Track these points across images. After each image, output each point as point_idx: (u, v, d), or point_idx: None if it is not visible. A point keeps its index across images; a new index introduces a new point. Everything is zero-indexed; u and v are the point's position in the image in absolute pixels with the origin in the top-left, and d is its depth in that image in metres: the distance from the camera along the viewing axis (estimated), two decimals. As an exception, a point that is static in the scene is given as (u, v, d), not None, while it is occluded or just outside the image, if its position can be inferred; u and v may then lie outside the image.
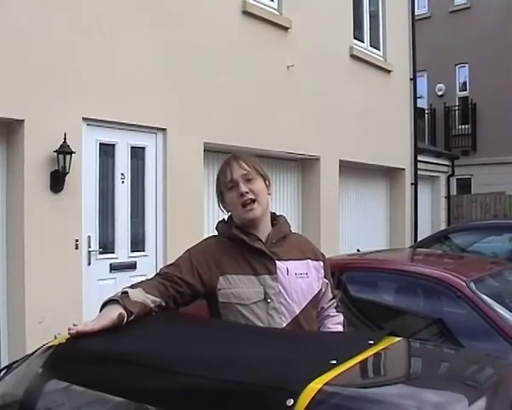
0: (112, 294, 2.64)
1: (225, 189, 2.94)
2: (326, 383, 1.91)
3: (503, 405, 2.19)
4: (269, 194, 2.98)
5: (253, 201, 2.85)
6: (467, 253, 8.40)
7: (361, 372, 2.23)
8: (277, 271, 2.82)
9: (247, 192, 2.84)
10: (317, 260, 2.99)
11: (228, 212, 3.00)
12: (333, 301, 3.06)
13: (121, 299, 2.50)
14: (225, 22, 8.63)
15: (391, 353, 2.42)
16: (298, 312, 2.81)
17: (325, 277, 3.00)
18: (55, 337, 2.69)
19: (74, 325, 2.41)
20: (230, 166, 2.91)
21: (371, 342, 2.34)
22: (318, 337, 2.75)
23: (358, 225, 12.40)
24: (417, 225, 13.81)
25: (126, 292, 2.56)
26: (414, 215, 13.79)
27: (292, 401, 1.84)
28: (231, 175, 2.88)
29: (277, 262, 2.83)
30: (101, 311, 2.51)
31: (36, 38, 6.23)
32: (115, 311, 2.44)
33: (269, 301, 2.77)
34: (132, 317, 2.47)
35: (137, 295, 2.57)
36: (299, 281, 2.85)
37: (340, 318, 3.07)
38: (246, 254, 2.84)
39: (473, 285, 4.43)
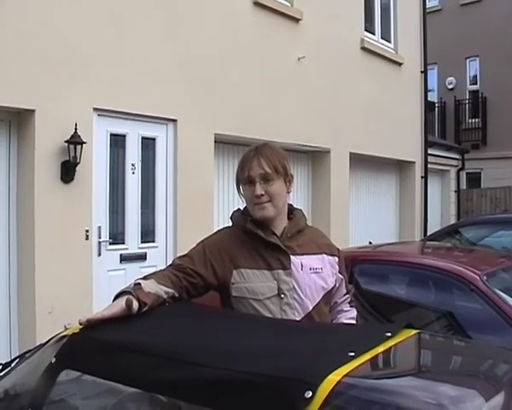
0: (122, 284, 2.62)
1: (242, 182, 2.87)
2: (344, 375, 1.89)
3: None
4: (288, 192, 2.92)
5: (267, 201, 2.80)
6: (477, 247, 8.37)
7: (379, 365, 2.22)
8: (291, 266, 2.79)
9: (262, 195, 2.78)
10: (333, 256, 2.96)
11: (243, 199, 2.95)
12: (347, 296, 3.04)
13: (134, 290, 2.48)
14: (236, 13, 8.62)
15: (408, 345, 2.41)
16: (311, 307, 2.79)
17: (340, 272, 2.97)
18: (65, 328, 2.69)
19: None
20: (250, 162, 2.82)
21: (389, 334, 2.33)
22: (336, 329, 2.74)
23: (368, 218, 12.39)
24: (427, 218, 13.80)
25: (139, 283, 2.54)
26: (424, 209, 13.77)
27: (310, 393, 1.82)
28: (248, 172, 2.81)
29: (292, 257, 2.80)
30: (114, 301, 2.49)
31: (46, 29, 6.22)
32: (124, 302, 2.41)
33: (282, 296, 2.75)
34: (146, 308, 2.45)
35: (150, 286, 2.54)
36: (314, 276, 2.83)
37: (354, 313, 3.05)
38: (260, 249, 2.80)
39: (486, 279, 4.40)
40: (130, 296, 2.43)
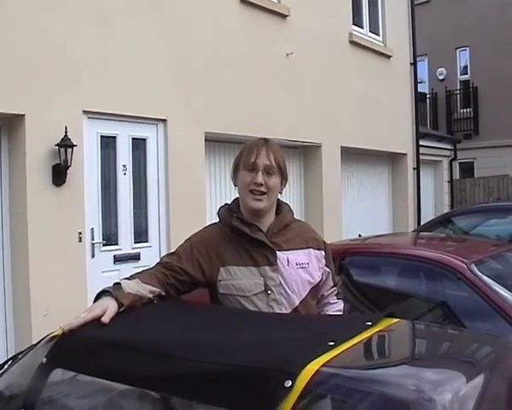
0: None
1: (243, 166, 2.89)
2: (323, 365, 1.93)
3: (501, 382, 2.21)
4: (280, 192, 2.96)
5: (263, 193, 2.84)
6: (470, 236, 8.41)
7: (359, 353, 2.25)
8: (278, 262, 2.82)
9: (261, 184, 2.82)
10: (319, 250, 2.99)
11: (235, 186, 2.98)
12: (333, 288, 3.07)
13: (113, 290, 2.53)
14: (224, 11, 8.63)
15: (389, 334, 2.45)
16: (298, 303, 2.83)
17: (326, 265, 3.00)
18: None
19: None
20: (258, 150, 2.86)
21: (369, 323, 2.36)
22: (316, 320, 2.78)
23: (361, 211, 12.42)
24: (420, 209, 13.83)
25: (119, 283, 2.58)
26: (417, 200, 13.80)
27: (290, 383, 1.86)
28: (255, 158, 2.84)
29: (278, 253, 2.84)
30: (95, 301, 2.52)
31: (34, 33, 6.24)
32: (104, 303, 2.47)
33: (269, 292, 2.79)
34: (123, 308, 2.49)
35: (131, 287, 2.59)
36: (300, 271, 2.86)
37: (341, 305, 3.09)
38: (247, 245, 2.84)
39: (474, 267, 4.44)
40: (112, 303, 2.48)
